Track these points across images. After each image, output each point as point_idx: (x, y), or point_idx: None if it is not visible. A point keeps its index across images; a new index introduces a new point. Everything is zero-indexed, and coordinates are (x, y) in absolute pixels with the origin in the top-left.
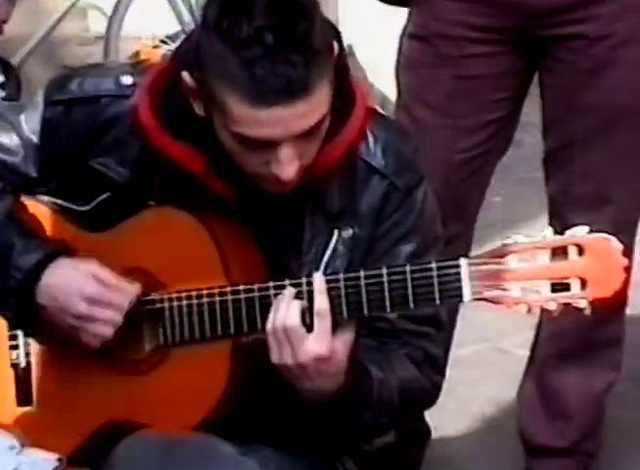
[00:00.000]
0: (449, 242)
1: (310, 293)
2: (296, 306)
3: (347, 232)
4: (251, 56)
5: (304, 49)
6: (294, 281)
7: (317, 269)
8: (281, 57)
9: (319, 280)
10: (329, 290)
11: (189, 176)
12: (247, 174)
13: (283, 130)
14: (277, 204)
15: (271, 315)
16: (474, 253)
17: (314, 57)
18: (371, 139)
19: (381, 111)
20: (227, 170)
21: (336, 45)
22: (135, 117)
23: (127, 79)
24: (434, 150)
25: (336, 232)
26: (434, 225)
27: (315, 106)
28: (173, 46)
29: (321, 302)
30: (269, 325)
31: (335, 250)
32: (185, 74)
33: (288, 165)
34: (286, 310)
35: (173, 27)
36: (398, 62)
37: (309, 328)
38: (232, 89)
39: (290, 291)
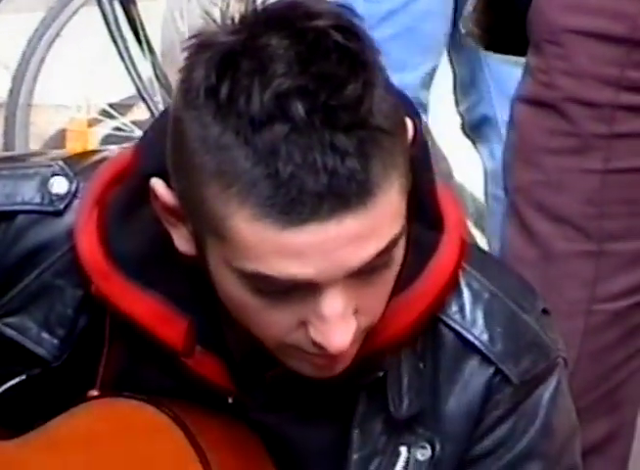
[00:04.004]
0: (592, 450)
1: None
2: None
3: (423, 452)
4: (270, 141)
5: (358, 126)
6: None
7: None
8: (319, 140)
9: None
10: None
11: (159, 351)
12: (265, 347)
13: (326, 265)
14: (304, 394)
15: None
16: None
17: (375, 140)
18: (466, 295)
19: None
20: (219, 335)
21: (410, 124)
22: (75, 249)
23: (60, 185)
24: (565, 291)
25: (403, 451)
26: (570, 446)
27: (378, 222)
28: (123, 122)
29: None
30: None
31: None
32: (156, 183)
33: (338, 326)
34: None
35: (122, 92)
36: (507, 144)
37: None
38: (240, 200)
39: None
